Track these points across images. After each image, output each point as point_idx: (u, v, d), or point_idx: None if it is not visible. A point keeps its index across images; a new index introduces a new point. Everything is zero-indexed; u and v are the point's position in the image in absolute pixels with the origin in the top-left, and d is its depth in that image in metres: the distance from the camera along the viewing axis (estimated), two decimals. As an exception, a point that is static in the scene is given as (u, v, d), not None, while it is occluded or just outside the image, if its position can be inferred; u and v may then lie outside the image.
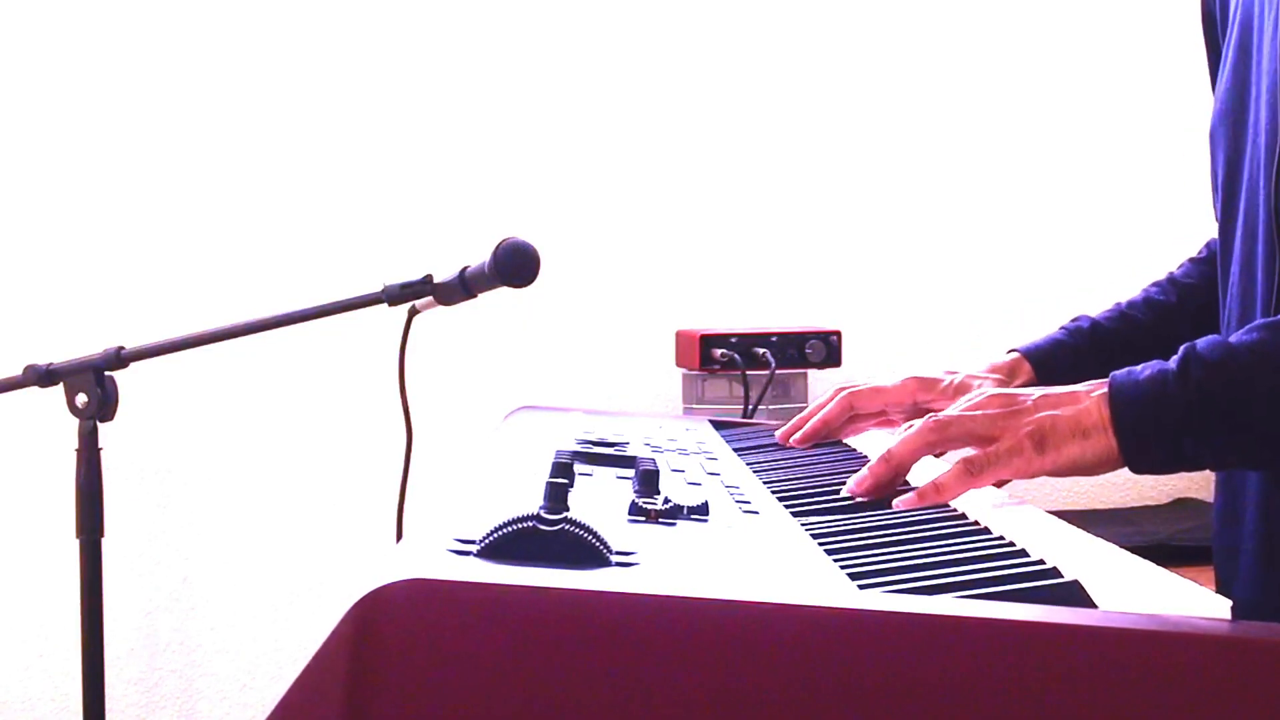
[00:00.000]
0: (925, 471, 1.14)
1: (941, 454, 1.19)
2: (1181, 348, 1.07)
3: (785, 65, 2.85)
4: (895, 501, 1.05)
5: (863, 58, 2.87)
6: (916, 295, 2.86)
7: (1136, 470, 1.07)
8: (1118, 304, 1.49)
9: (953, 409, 1.11)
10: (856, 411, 1.38)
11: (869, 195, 2.87)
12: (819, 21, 2.85)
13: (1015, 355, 1.44)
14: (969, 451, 1.07)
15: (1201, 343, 1.07)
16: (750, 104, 2.84)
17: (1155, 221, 2.85)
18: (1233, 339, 1.07)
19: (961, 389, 1.35)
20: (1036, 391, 1.09)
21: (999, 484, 1.18)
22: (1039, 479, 1.10)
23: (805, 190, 2.86)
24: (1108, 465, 1.06)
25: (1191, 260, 1.52)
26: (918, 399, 1.38)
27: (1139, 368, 1.07)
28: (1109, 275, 2.85)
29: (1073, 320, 1.48)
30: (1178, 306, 1.46)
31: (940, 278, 2.87)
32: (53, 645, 2.66)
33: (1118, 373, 1.07)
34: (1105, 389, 1.06)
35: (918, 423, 1.11)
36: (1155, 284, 1.51)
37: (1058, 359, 1.42)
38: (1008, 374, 1.41)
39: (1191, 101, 2.77)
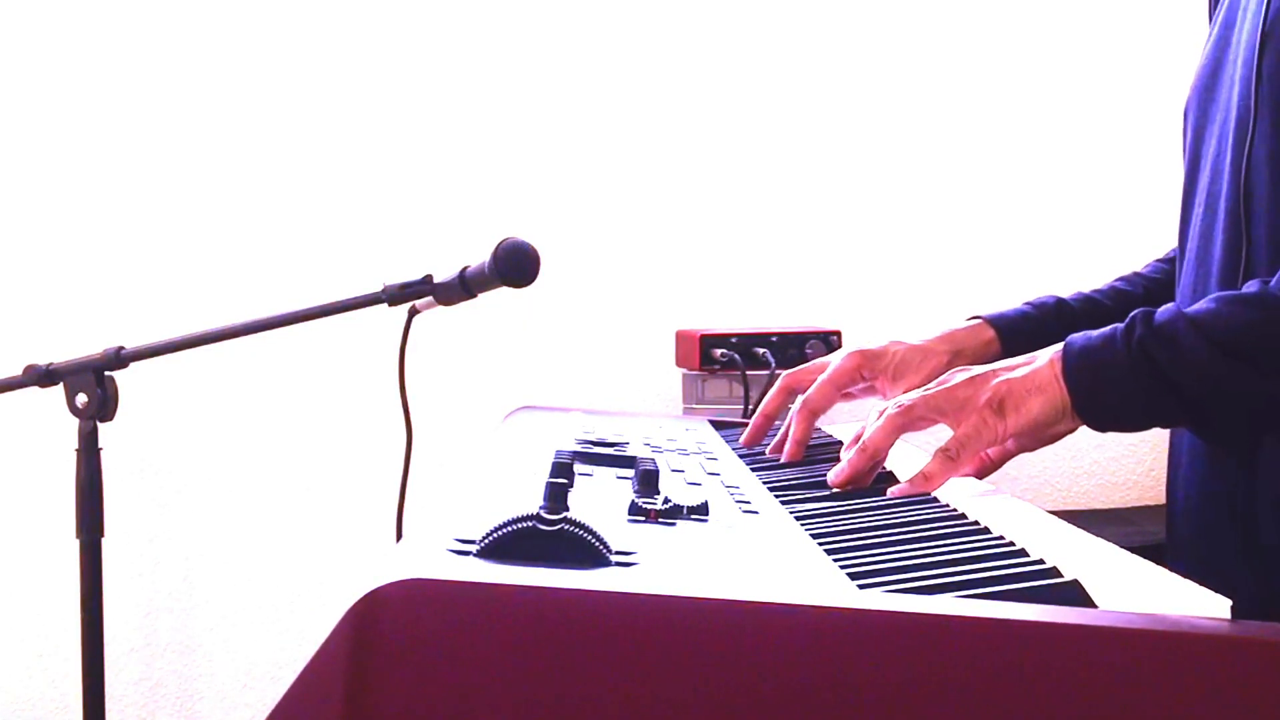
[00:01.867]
0: (906, 461, 1.15)
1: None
2: (1139, 309, 1.11)
3: (785, 65, 2.85)
4: (890, 491, 1.09)
5: (862, 58, 2.87)
6: (916, 295, 2.86)
7: (1091, 422, 1.11)
8: (1082, 291, 1.52)
9: (917, 391, 1.15)
10: (797, 392, 1.40)
11: (869, 195, 2.87)
12: (819, 21, 2.85)
13: (978, 321, 1.46)
14: (942, 430, 1.11)
15: (1161, 308, 1.11)
16: (750, 104, 2.84)
17: (1156, 222, 2.85)
18: (1188, 308, 1.10)
19: (903, 365, 1.41)
20: (997, 364, 1.14)
21: (989, 468, 1.20)
22: (1041, 479, 1.12)
23: (805, 190, 2.86)
24: (1065, 419, 1.11)
25: (1159, 260, 1.56)
26: (863, 373, 1.41)
27: (1096, 331, 1.11)
28: (1108, 272, 2.85)
29: (1039, 298, 1.51)
30: (1142, 298, 1.49)
31: (940, 278, 2.87)
32: (53, 645, 2.66)
33: (1075, 334, 1.12)
34: (1061, 348, 1.11)
35: (886, 411, 1.15)
36: (1121, 278, 1.55)
37: (1022, 329, 1.45)
38: (957, 344, 1.42)
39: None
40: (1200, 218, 1.31)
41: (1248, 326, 1.07)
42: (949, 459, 1.10)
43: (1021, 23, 2.90)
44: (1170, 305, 1.11)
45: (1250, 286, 1.11)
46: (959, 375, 1.14)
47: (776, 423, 1.41)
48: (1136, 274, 1.55)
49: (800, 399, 1.37)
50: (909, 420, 1.13)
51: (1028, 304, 1.50)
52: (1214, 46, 1.34)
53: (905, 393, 1.30)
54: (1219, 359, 1.06)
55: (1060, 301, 1.49)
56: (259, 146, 2.71)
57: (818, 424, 1.44)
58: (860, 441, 1.14)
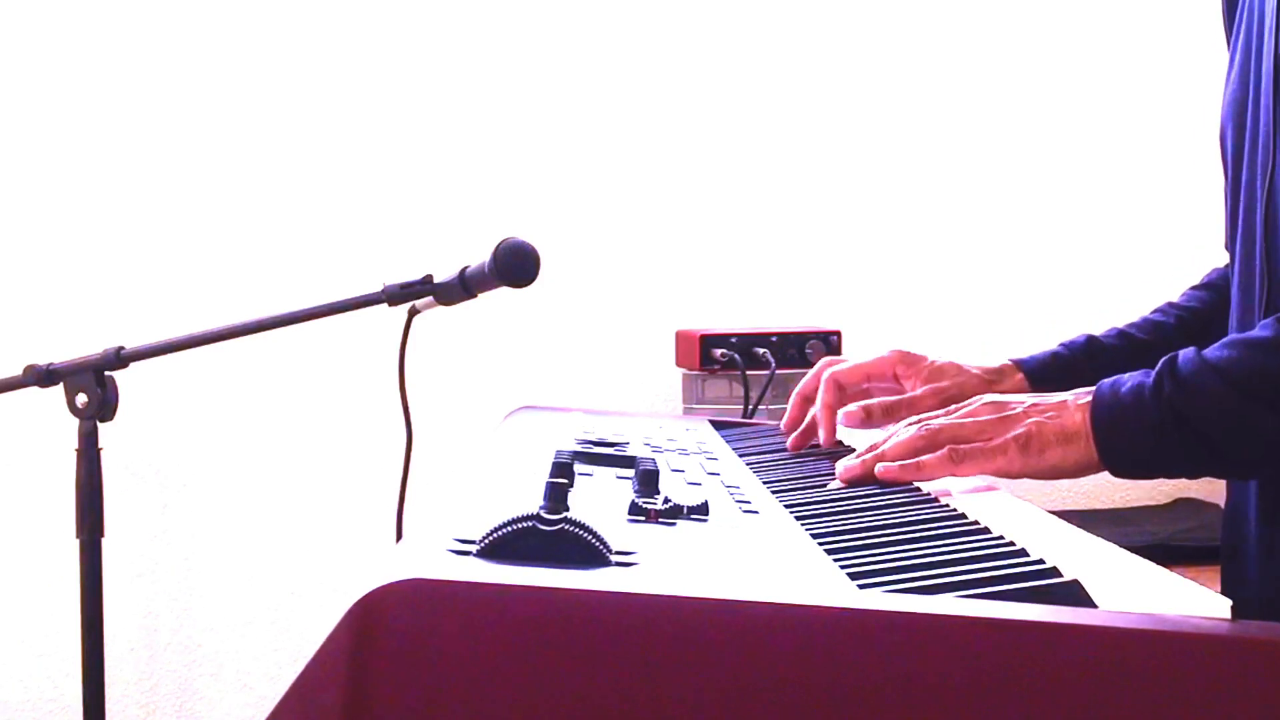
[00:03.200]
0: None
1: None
2: (1163, 359, 1.11)
3: (785, 65, 2.85)
4: (878, 469, 1.11)
5: (863, 58, 2.87)
6: (916, 295, 2.86)
7: (1117, 475, 1.12)
8: (1115, 327, 1.52)
9: (946, 417, 1.15)
10: (844, 389, 1.40)
11: (869, 195, 2.87)
12: (819, 21, 2.85)
13: (1008, 363, 1.46)
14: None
15: (1182, 355, 1.11)
16: (750, 104, 2.84)
17: (1156, 222, 2.85)
18: (1207, 353, 1.11)
19: (936, 373, 1.39)
20: (1028, 400, 1.14)
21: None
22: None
23: (805, 190, 2.86)
24: (1089, 470, 1.12)
25: (1193, 287, 1.55)
26: (897, 370, 1.41)
27: (1124, 376, 1.11)
28: (1110, 276, 2.85)
29: (1071, 338, 1.50)
30: (1175, 327, 1.49)
31: (940, 278, 2.87)
32: (53, 645, 2.66)
33: (1105, 381, 1.12)
34: (1090, 398, 1.11)
35: (911, 428, 1.15)
36: (1156, 309, 1.54)
37: (1051, 370, 1.44)
38: (995, 375, 1.42)
39: (1195, 104, 2.78)
40: (1240, 247, 1.31)
41: (1277, 373, 1.08)
42: (952, 461, 1.11)
43: (1020, 24, 2.90)
44: (1190, 352, 1.11)
45: (1265, 330, 1.11)
46: (989, 408, 1.14)
47: (770, 421, 1.42)
48: (1171, 304, 1.54)
49: (830, 370, 1.39)
50: (932, 445, 1.13)
51: (1061, 345, 1.49)
52: (1239, 72, 1.33)
53: (934, 389, 1.32)
54: (1258, 411, 1.07)
55: (1090, 339, 1.48)
56: (259, 147, 2.71)
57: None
58: (879, 449, 1.15)
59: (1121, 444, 1.09)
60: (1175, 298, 1.55)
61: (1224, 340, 1.12)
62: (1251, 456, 1.10)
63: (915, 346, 1.44)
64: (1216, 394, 1.07)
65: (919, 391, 1.36)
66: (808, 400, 1.41)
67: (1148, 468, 1.11)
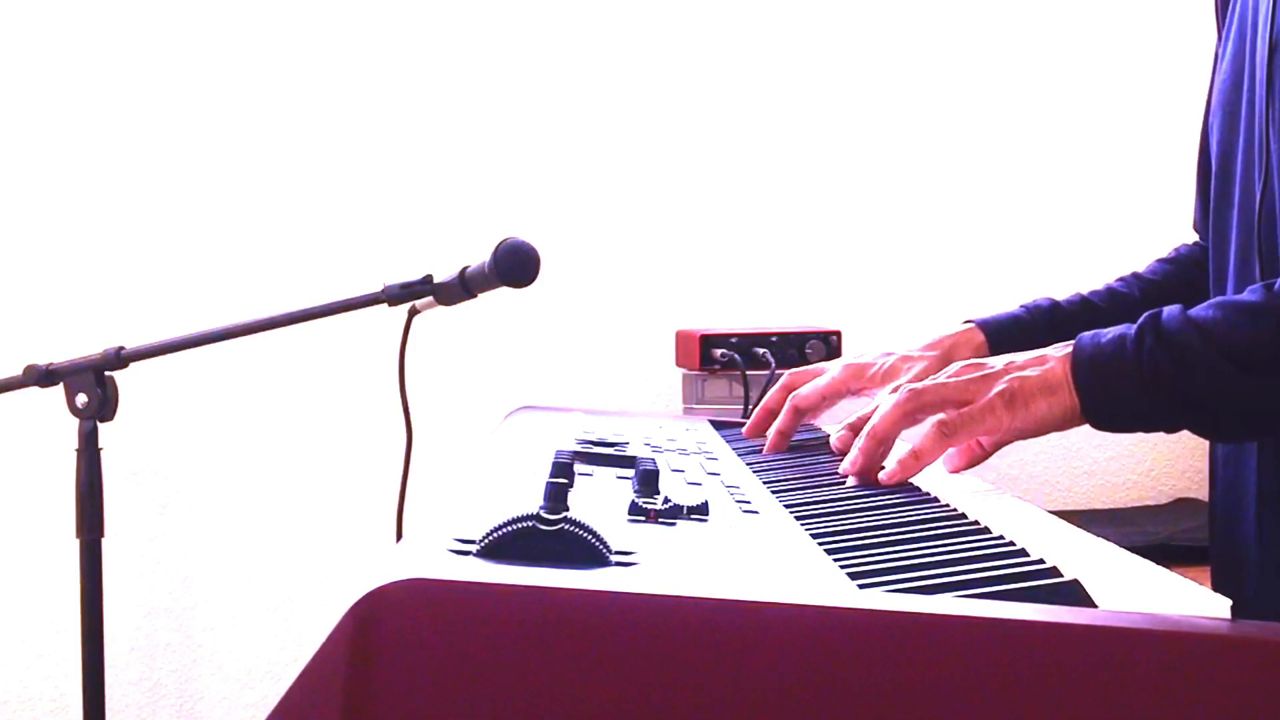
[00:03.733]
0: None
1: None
2: (1147, 313, 1.11)
3: (785, 65, 2.85)
4: (880, 476, 1.11)
5: (862, 58, 2.87)
6: (916, 295, 2.86)
7: (1098, 427, 1.12)
8: (1079, 293, 1.52)
9: (929, 379, 1.15)
10: (803, 411, 1.40)
11: (868, 195, 2.87)
12: (819, 21, 2.85)
13: (970, 325, 1.46)
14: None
15: (1166, 311, 1.11)
16: (750, 104, 2.84)
17: (1156, 222, 2.85)
18: (1192, 311, 1.11)
19: (890, 373, 1.40)
20: (1004, 359, 1.15)
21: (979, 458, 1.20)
22: (1041, 478, 1.12)
23: (804, 190, 2.86)
24: (1073, 421, 1.11)
25: (1159, 260, 1.55)
26: (851, 387, 1.42)
27: (1105, 330, 1.12)
28: (1109, 273, 2.85)
29: (1033, 300, 1.50)
30: (1140, 301, 1.49)
31: (940, 278, 2.87)
32: (53, 645, 2.66)
33: (1085, 334, 1.13)
34: (1070, 348, 1.12)
35: (894, 395, 1.15)
36: (1120, 279, 1.54)
37: (1013, 334, 1.45)
38: (947, 349, 1.43)
39: (1193, 102, 2.77)
40: (1236, 236, 1.31)
41: (1257, 338, 1.07)
42: (944, 435, 1.10)
43: (1019, 24, 2.90)
44: (1175, 309, 1.11)
45: (1253, 294, 1.11)
46: (969, 368, 1.14)
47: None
48: (1135, 275, 1.54)
49: (792, 394, 1.38)
50: (918, 406, 1.13)
51: (1022, 307, 1.50)
52: (1232, 61, 1.33)
53: (893, 386, 1.32)
54: (1233, 374, 1.07)
55: (1054, 305, 1.49)
56: (259, 147, 2.71)
57: (816, 424, 1.44)
58: (868, 427, 1.14)
59: (1100, 393, 1.09)
60: (1140, 269, 1.55)
61: (1211, 301, 1.12)
62: (1227, 416, 1.09)
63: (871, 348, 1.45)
64: (1196, 351, 1.07)
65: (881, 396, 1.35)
66: (771, 414, 1.41)
67: (1126, 418, 1.10)
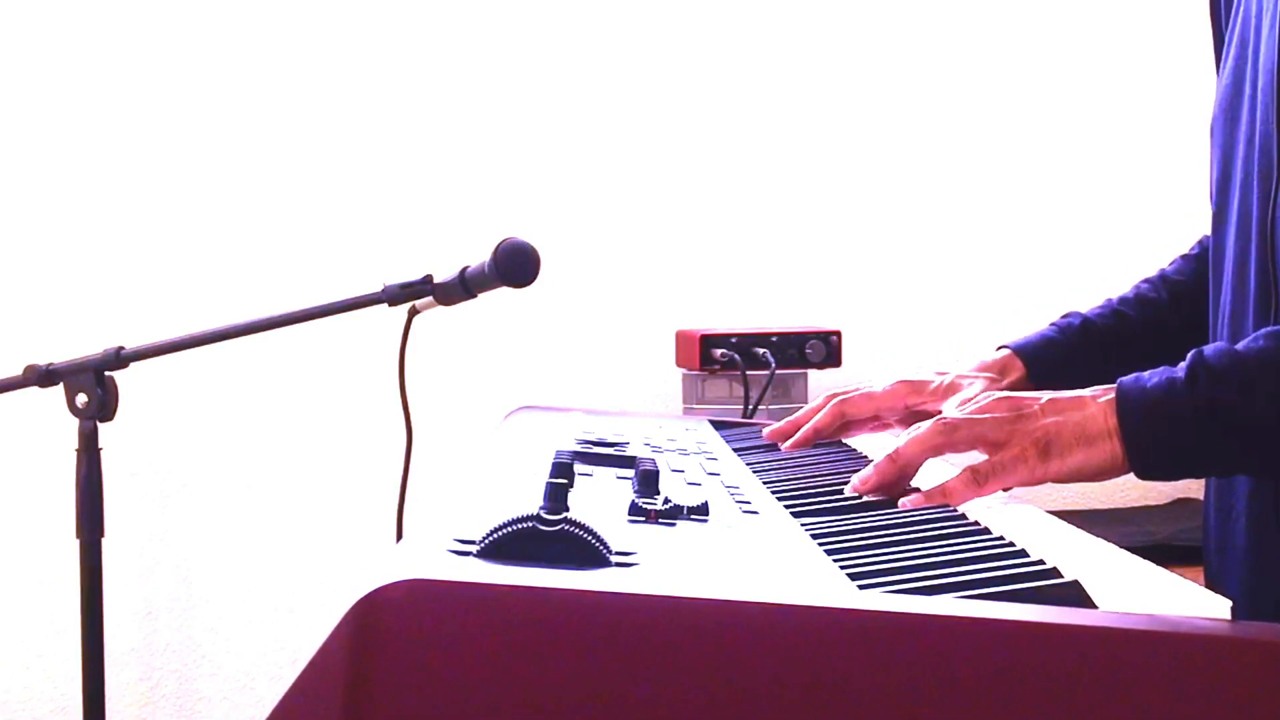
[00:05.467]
0: (929, 474, 1.15)
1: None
2: (1190, 354, 1.07)
3: (785, 65, 2.85)
4: (901, 501, 1.06)
5: (862, 58, 2.87)
6: (916, 295, 2.86)
7: (1143, 477, 1.07)
8: (1109, 300, 1.49)
9: (960, 412, 1.11)
10: (849, 419, 1.37)
11: (868, 195, 2.87)
12: (818, 21, 2.85)
13: (1006, 352, 1.43)
14: (976, 456, 1.08)
15: (1209, 350, 1.07)
16: (749, 104, 2.84)
17: (1156, 222, 2.85)
18: (1239, 347, 1.07)
19: (951, 390, 1.35)
20: (1045, 396, 1.09)
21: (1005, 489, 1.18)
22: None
23: (804, 190, 2.86)
24: (1113, 472, 1.07)
25: (1183, 257, 1.53)
26: (908, 402, 1.37)
27: (1147, 374, 1.07)
28: (1109, 275, 2.85)
29: (1063, 317, 1.48)
30: (1169, 304, 1.47)
31: (940, 278, 2.87)
32: (53, 645, 2.66)
33: (1125, 379, 1.08)
34: (1112, 395, 1.07)
35: (926, 424, 1.11)
36: (1146, 280, 1.51)
37: (1049, 356, 1.42)
38: (998, 372, 1.41)
39: (1192, 99, 2.78)
40: (1235, 245, 1.29)
41: None
42: (975, 483, 1.06)
43: (1020, 23, 2.90)
44: (1220, 346, 1.08)
45: None
46: (1006, 404, 1.10)
47: (763, 421, 1.41)
48: (1161, 275, 1.52)
49: (840, 397, 1.35)
50: (949, 442, 1.09)
51: (1052, 326, 1.46)
52: (1234, 67, 1.32)
53: (965, 400, 1.29)
54: None
55: (1085, 321, 1.45)
56: (259, 147, 2.71)
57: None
58: (894, 448, 1.11)
59: (1149, 439, 1.05)
60: (1165, 265, 1.54)
61: (1254, 334, 1.10)
62: None
63: (916, 347, 1.43)
64: (1253, 381, 1.04)
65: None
66: (819, 434, 1.37)
67: (1177, 464, 1.06)
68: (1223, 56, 1.38)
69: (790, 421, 1.40)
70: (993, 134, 2.89)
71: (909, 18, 2.87)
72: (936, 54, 2.88)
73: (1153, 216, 2.87)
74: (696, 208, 2.83)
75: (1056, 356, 1.42)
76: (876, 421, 1.40)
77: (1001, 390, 1.23)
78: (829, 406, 1.37)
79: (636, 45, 2.81)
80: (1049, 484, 1.09)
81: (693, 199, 2.83)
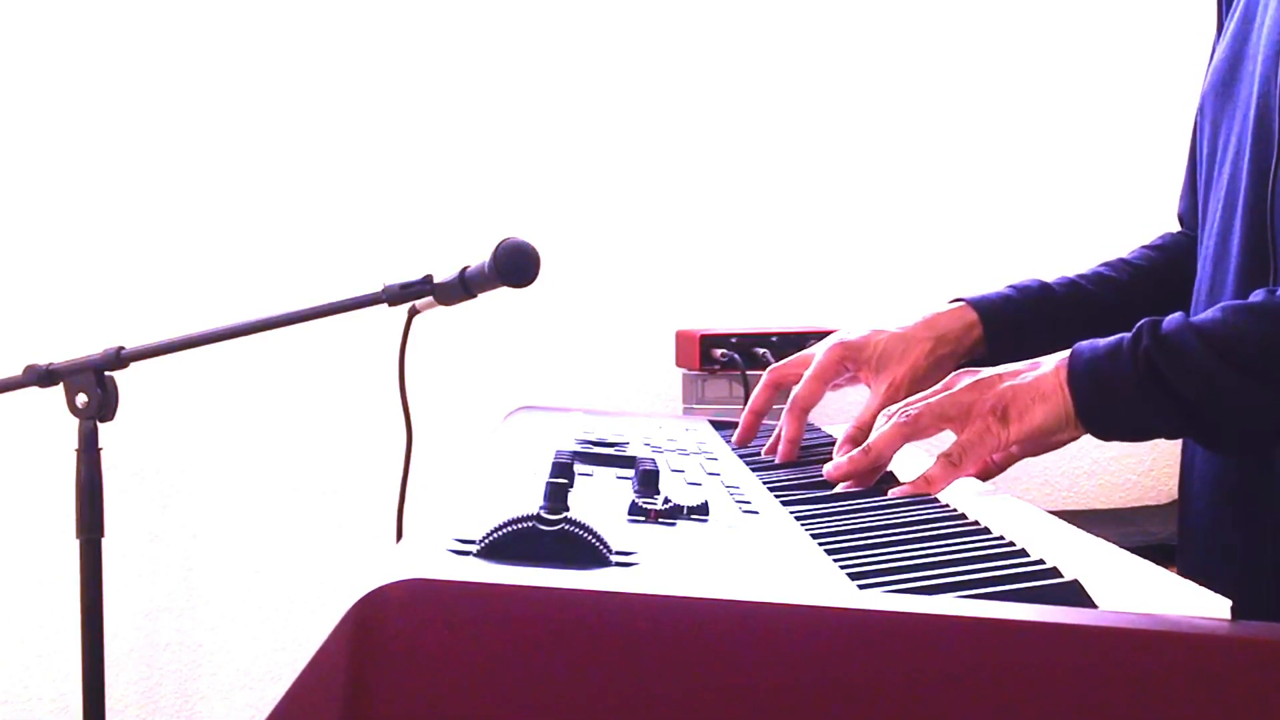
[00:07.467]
0: (908, 462, 1.18)
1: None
2: (1146, 319, 1.10)
3: (784, 65, 2.85)
4: (891, 492, 1.09)
5: (861, 58, 2.87)
6: (916, 295, 2.86)
7: (1095, 433, 1.10)
8: (1065, 275, 1.51)
9: (923, 400, 1.14)
10: (785, 389, 1.37)
11: (868, 195, 2.87)
12: (818, 22, 2.85)
13: (960, 303, 1.43)
14: (950, 437, 1.12)
15: (1168, 318, 1.10)
16: (749, 104, 2.84)
17: (1156, 223, 2.85)
18: (1195, 317, 1.09)
19: (885, 357, 1.36)
20: (1002, 369, 1.13)
21: (993, 470, 1.20)
22: (1041, 478, 1.12)
23: (804, 190, 2.86)
24: (1069, 428, 1.10)
25: (1145, 246, 1.54)
26: (846, 365, 1.37)
27: (1102, 339, 1.10)
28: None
29: (1022, 281, 1.49)
30: (1128, 285, 1.48)
31: (940, 278, 2.87)
32: (53, 645, 2.66)
33: (1082, 342, 1.11)
34: (1067, 355, 1.11)
35: (893, 419, 1.14)
36: (1106, 263, 1.53)
37: (1005, 312, 1.42)
38: (941, 326, 1.39)
39: (1181, 96, 2.77)
40: (1218, 216, 1.30)
41: (1257, 339, 1.06)
42: (951, 464, 1.10)
43: (1015, 23, 2.90)
44: (1177, 315, 1.10)
45: (1257, 296, 1.10)
46: (964, 380, 1.13)
47: (768, 420, 1.40)
48: (1123, 260, 1.54)
49: (790, 398, 1.35)
50: (915, 430, 1.12)
51: (1011, 287, 1.48)
52: (1232, 41, 1.33)
53: (888, 383, 1.31)
54: (1226, 372, 1.05)
55: (1043, 285, 1.47)
56: (259, 147, 2.71)
57: (817, 424, 1.43)
58: (867, 442, 1.14)
59: (1095, 395, 1.08)
60: (1127, 254, 1.55)
61: (1216, 305, 1.11)
62: (1224, 423, 1.07)
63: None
64: (1193, 353, 1.06)
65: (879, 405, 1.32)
66: (758, 416, 1.39)
67: (1122, 424, 1.09)
68: (1222, 29, 1.38)
69: (744, 424, 1.40)
70: (992, 135, 2.89)
71: (906, 20, 2.87)
72: (936, 54, 2.88)
73: (1153, 218, 2.87)
74: (696, 208, 2.83)
75: (1011, 311, 1.42)
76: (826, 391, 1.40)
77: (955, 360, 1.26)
78: (762, 380, 1.39)
79: (636, 46, 2.81)
80: (1050, 485, 1.10)
81: (692, 199, 2.83)
